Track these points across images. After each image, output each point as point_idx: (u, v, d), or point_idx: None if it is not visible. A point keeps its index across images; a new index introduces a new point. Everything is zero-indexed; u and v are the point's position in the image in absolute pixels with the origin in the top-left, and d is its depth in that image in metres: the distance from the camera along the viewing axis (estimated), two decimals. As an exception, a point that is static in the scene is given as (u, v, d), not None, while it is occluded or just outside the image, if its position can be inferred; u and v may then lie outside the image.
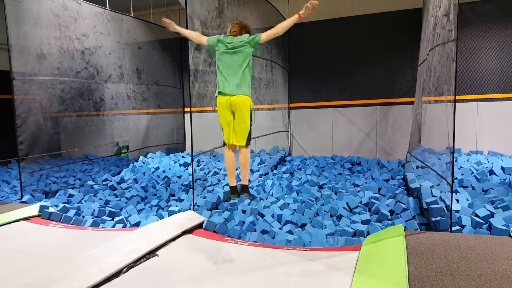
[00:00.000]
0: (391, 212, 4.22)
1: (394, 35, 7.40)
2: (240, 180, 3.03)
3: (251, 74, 3.18)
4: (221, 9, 5.46)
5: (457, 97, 3.45)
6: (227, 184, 5.54)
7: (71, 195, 5.37)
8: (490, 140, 6.79)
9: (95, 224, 4.26)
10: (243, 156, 2.96)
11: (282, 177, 6.15)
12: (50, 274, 2.77)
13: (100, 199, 5.28)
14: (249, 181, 3.14)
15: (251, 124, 3.12)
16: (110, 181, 6.20)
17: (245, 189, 3.02)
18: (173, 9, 9.36)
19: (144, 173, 6.62)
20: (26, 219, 4.40)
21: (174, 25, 3.47)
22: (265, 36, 3.15)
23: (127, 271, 2.91)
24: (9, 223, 4.23)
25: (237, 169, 3.52)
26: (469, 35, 6.76)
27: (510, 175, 5.00)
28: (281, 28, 3.07)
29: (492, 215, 3.59)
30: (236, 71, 2.94)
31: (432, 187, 4.08)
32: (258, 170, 6.33)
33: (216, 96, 3.02)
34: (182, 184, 5.75)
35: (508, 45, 6.58)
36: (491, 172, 5.15)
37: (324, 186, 5.52)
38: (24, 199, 5.20)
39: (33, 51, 5.67)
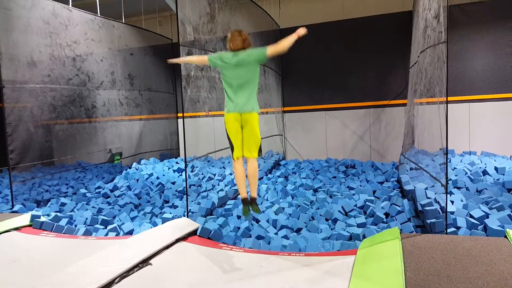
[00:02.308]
0: (386, 214, 4.21)
1: (385, 37, 7.44)
2: (249, 191, 2.96)
3: (258, 86, 3.09)
4: (213, 15, 5.46)
5: (449, 98, 3.45)
6: (221, 190, 5.52)
7: (63, 204, 5.29)
8: (483, 140, 6.82)
9: (87, 233, 4.19)
10: (252, 167, 2.87)
11: (277, 181, 6.12)
12: (41, 285, 2.71)
13: (93, 207, 5.21)
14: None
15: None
16: (103, 189, 6.13)
17: (254, 202, 2.96)
18: (164, 15, 9.34)
19: (137, 180, 6.56)
20: (17, 229, 4.31)
21: (173, 60, 3.33)
22: (270, 52, 2.99)
23: (119, 281, 2.85)
24: (-1, 234, 4.15)
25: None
26: (460, 37, 6.81)
27: (503, 175, 5.02)
28: (286, 47, 2.94)
29: (487, 216, 3.59)
30: (243, 88, 2.85)
31: (426, 188, 4.07)
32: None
33: (225, 114, 2.95)
34: (176, 190, 5.70)
35: (498, 46, 6.64)
36: (485, 172, 5.17)
37: (319, 189, 5.51)
38: (15, 208, 5.11)
39: (23, 58, 5.60)
